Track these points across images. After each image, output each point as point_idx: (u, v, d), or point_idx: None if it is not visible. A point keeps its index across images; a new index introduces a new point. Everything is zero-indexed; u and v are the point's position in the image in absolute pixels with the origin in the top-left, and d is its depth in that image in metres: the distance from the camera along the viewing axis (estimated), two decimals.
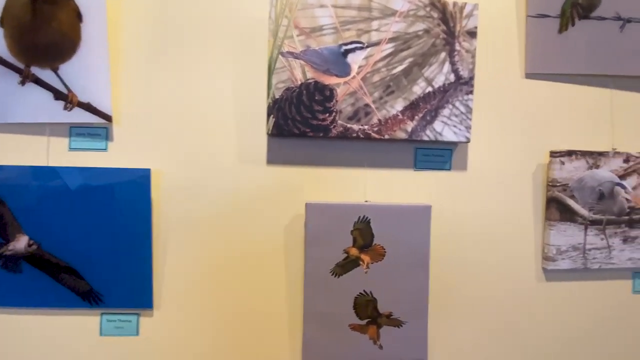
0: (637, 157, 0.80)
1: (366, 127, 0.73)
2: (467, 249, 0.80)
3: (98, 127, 0.73)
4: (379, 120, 0.74)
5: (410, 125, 0.75)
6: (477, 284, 0.81)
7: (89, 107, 0.71)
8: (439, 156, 0.79)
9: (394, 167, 0.79)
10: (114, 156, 0.73)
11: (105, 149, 0.74)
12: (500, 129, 0.81)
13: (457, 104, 0.75)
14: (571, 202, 0.78)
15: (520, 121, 0.81)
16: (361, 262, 0.75)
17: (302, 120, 0.72)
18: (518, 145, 0.81)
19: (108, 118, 0.71)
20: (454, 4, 0.73)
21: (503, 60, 0.81)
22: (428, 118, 0.75)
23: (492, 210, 0.81)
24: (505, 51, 0.81)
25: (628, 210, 0.80)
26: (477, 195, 0.80)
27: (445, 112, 0.75)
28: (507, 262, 0.81)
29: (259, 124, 0.74)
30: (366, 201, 0.77)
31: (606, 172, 0.79)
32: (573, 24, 0.81)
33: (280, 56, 0.71)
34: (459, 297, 0.81)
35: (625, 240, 0.81)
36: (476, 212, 0.80)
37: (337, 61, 0.72)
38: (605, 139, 0.83)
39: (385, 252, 0.75)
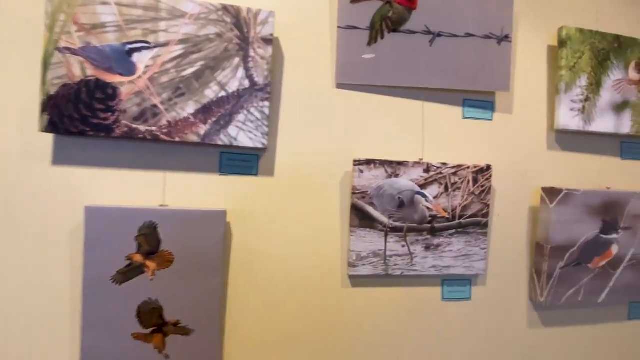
0: (438, 168, 0.83)
1: (154, 128, 0.72)
2: (273, 254, 0.80)
3: None
4: (169, 122, 0.72)
5: (203, 129, 0.73)
6: (282, 289, 0.80)
7: None
8: (246, 161, 0.79)
9: (197, 171, 0.78)
10: None
11: None
12: (310, 136, 0.82)
13: (253, 110, 0.75)
14: (370, 209, 0.80)
15: (330, 129, 0.83)
16: (146, 269, 0.72)
17: (81, 119, 0.69)
18: (328, 153, 0.82)
19: None
20: (248, 10, 0.73)
21: (315, 69, 0.82)
22: (222, 122, 0.74)
23: (299, 216, 0.81)
24: (317, 61, 0.82)
25: (429, 218, 0.82)
26: (285, 201, 0.80)
27: (240, 117, 0.74)
28: (314, 267, 0.81)
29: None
30: (161, 205, 0.75)
31: (405, 181, 0.81)
32: (382, 37, 0.84)
33: (56, 52, 0.68)
34: (262, 302, 0.79)
35: (427, 248, 0.83)
36: (283, 217, 0.80)
37: (121, 59, 0.70)
38: (414, 149, 0.86)
39: (173, 258, 0.73)
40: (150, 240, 0.72)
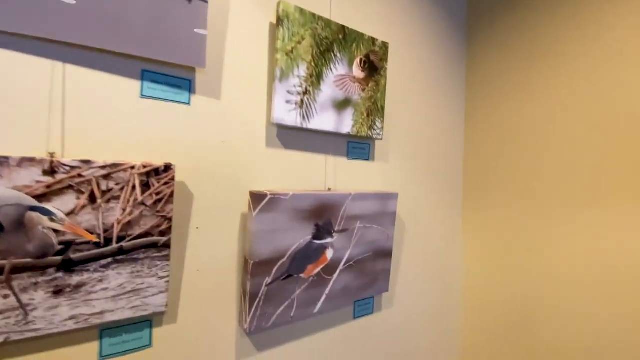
0: (73, 168, 0.56)
1: None
2: None
3: None
4: None
5: None
6: None
7: None
8: None
9: None
10: None
11: None
12: None
13: None
14: None
15: None
16: None
17: None
18: None
19: None
20: None
21: None
22: None
23: None
24: None
25: (60, 247, 0.55)
26: None
27: None
28: None
29: None
30: None
31: (4, 189, 0.51)
32: None
33: None
34: None
35: (58, 293, 0.55)
36: None
37: None
38: (33, 138, 0.56)
39: None
40: None
